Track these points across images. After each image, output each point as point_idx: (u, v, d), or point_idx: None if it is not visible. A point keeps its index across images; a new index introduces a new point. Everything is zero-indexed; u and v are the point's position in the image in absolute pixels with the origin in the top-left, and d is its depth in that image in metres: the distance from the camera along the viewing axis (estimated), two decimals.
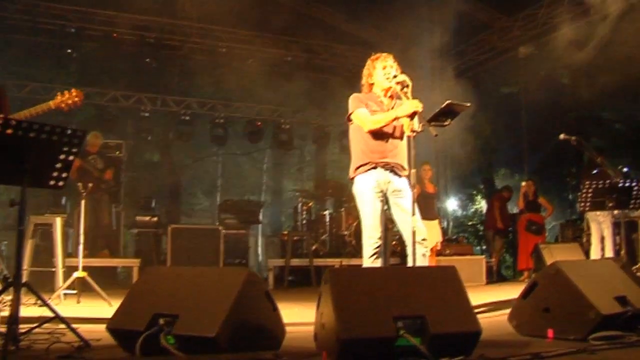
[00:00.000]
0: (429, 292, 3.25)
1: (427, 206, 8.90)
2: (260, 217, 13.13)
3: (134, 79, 13.15)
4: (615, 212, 7.96)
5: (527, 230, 11.14)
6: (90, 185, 7.12)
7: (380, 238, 4.87)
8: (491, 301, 6.28)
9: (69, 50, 12.18)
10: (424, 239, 4.80)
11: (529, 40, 12.12)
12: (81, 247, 6.66)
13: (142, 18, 11.68)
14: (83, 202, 6.88)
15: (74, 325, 3.80)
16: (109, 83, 13.04)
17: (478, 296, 6.48)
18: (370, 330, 2.99)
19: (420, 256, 4.70)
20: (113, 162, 9.89)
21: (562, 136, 7.68)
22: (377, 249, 4.86)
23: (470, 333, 3.13)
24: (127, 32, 11.88)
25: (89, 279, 6.41)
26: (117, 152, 11.09)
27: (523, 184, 11.64)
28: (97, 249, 9.23)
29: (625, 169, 9.09)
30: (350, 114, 5.02)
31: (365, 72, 5.15)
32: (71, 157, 3.82)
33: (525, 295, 4.05)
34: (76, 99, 4.81)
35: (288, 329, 3.71)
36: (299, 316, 5.36)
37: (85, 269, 6.52)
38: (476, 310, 3.45)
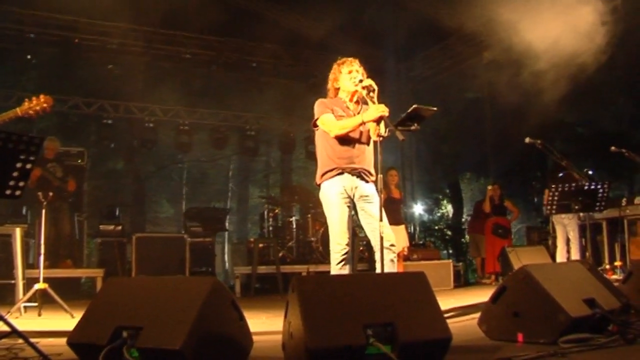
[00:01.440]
0: (398, 298, 3.20)
1: (393, 211, 8.89)
2: (227, 224, 13.01)
3: (96, 85, 12.92)
4: (581, 214, 8.05)
5: (494, 234, 11.21)
6: (50, 194, 6.93)
7: (348, 244, 4.82)
8: (460, 305, 6.27)
9: (29, 56, 11.93)
10: (392, 245, 4.77)
11: (493, 46, 12.21)
12: (42, 258, 6.48)
13: (103, 24, 11.50)
14: (44, 212, 6.69)
15: (34, 340, 3.66)
16: (70, 89, 12.80)
17: (447, 301, 6.48)
18: (339, 339, 2.92)
19: (388, 262, 4.66)
20: (72, 169, 9.69)
21: (527, 140, 7.75)
22: (345, 256, 4.81)
23: (441, 339, 3.09)
24: (89, 38, 11.69)
25: (51, 291, 6.23)
26: (79, 160, 10.87)
27: (489, 187, 11.71)
28: (60, 259, 9.02)
29: (590, 172, 9.18)
30: (316, 119, 4.96)
31: (331, 76, 5.11)
32: (29, 165, 3.69)
33: (494, 299, 4.03)
34: (45, 105, 4.65)
35: (255, 338, 3.62)
36: (266, 325, 5.30)
37: (46, 280, 6.33)
38: (445, 315, 3.42)
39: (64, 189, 8.92)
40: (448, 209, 21.08)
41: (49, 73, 13.26)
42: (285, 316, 3.37)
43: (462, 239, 19.70)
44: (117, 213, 11.45)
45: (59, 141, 9.53)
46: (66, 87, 13.01)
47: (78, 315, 5.54)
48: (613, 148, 7.76)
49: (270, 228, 11.49)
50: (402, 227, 9.28)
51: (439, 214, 21.52)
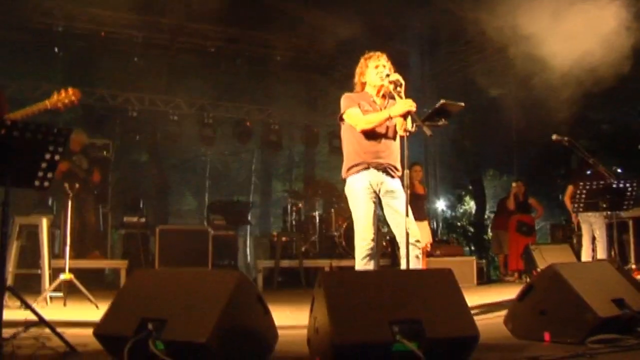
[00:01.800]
0: (425, 295, 3.18)
1: (416, 207, 8.81)
2: (249, 217, 13.03)
3: (121, 78, 12.99)
4: (607, 212, 7.95)
5: (518, 231, 11.13)
6: (77, 185, 7.00)
7: (373, 240, 4.81)
8: (484, 303, 6.23)
9: (56, 49, 12.02)
10: (417, 241, 4.75)
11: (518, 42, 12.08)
12: (67, 249, 6.55)
13: (129, 17, 11.55)
14: (70, 203, 6.75)
15: (60, 330, 3.69)
16: (96, 82, 12.87)
17: (470, 298, 6.40)
18: (365, 335, 2.91)
19: (413, 258, 4.65)
20: (98, 161, 9.74)
21: (554, 137, 7.66)
22: (370, 251, 4.80)
23: (468, 337, 3.06)
24: (115, 31, 11.76)
25: (76, 281, 6.30)
26: (105, 152, 10.97)
27: (513, 184, 11.63)
28: (86, 250, 9.10)
29: (618, 170, 9.08)
30: (342, 113, 4.94)
31: (357, 70, 5.09)
32: (57, 157, 3.71)
33: (521, 297, 3.99)
34: (73, 97, 4.69)
35: (280, 332, 3.61)
36: (290, 319, 5.30)
37: (71, 270, 6.41)
38: None
39: (88, 180, 8.99)
40: (471, 205, 20.95)
41: (75, 65, 13.32)
42: (311, 311, 3.36)
43: (485, 236, 19.57)
44: (141, 205, 11.52)
45: (85, 133, 9.59)
46: (92, 80, 13.08)
47: (102, 306, 5.62)
48: None
49: (293, 222, 11.47)
50: (425, 223, 9.22)
51: (461, 211, 21.40)
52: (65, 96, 4.66)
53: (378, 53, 5.04)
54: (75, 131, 9.37)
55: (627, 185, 7.36)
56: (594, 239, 8.59)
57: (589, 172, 8.35)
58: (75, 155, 9.07)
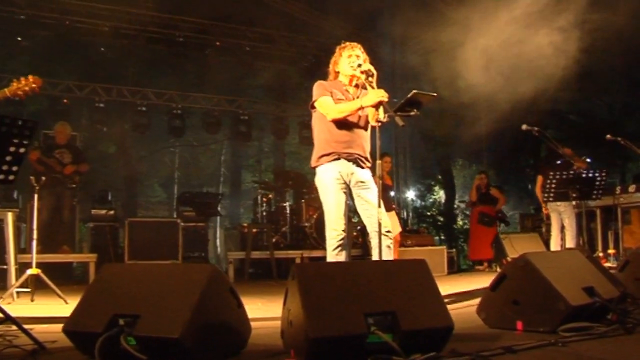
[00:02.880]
0: (399, 286, 3.17)
1: (384, 198, 8.85)
2: (219, 209, 12.94)
3: (88, 68, 12.79)
4: (575, 202, 8.05)
5: (479, 223, 11.26)
6: (43, 178, 6.85)
7: (344, 230, 4.80)
8: (455, 292, 6.27)
9: (19, 38, 11.75)
10: (388, 231, 4.74)
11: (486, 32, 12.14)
12: (35, 243, 6.41)
13: (96, 6, 11.34)
14: (36, 197, 6.61)
15: (28, 326, 3.61)
16: (62, 73, 12.67)
17: (441, 287, 6.42)
18: (340, 328, 2.88)
19: (385, 248, 4.63)
20: (83, 156, 9.53)
21: (524, 127, 7.71)
22: (341, 242, 4.79)
23: (443, 328, 3.06)
24: (81, 21, 11.53)
25: (43, 276, 6.17)
26: None
27: (477, 177, 11.80)
28: (55, 244, 8.93)
29: (588, 160, 9.19)
30: (314, 101, 4.91)
31: (332, 59, 5.09)
32: (22, 150, 3.62)
33: (493, 287, 4.01)
34: (34, 85, 4.53)
35: (252, 324, 3.58)
36: (262, 311, 5.27)
37: (39, 265, 6.28)
38: None
39: (64, 174, 8.80)
40: (440, 195, 21.09)
41: (40, 55, 13.08)
42: (285, 303, 3.33)
43: (454, 225, 19.76)
44: (109, 197, 11.36)
45: (69, 126, 9.39)
46: (58, 70, 12.88)
47: (71, 301, 5.51)
48: (608, 136, 7.74)
49: (264, 213, 11.42)
50: (393, 213, 9.25)
51: (431, 200, 21.54)
52: (26, 84, 4.49)
53: (354, 43, 5.03)
54: (60, 123, 9.21)
55: (596, 175, 7.46)
56: (562, 228, 8.70)
57: (558, 162, 8.44)
58: (58, 149, 8.90)
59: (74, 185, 9.11)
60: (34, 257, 6.31)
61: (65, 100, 12.10)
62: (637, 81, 17.29)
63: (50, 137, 9.96)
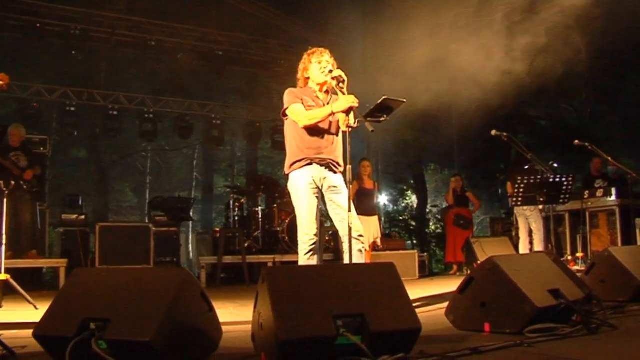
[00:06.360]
0: (368, 289, 3.21)
1: (366, 202, 8.92)
2: (191, 213, 12.91)
3: (58, 71, 12.67)
4: (542, 206, 8.18)
5: (455, 225, 11.35)
6: (12, 183, 6.77)
7: (316, 235, 4.82)
8: (426, 295, 6.33)
9: None
10: (360, 235, 4.78)
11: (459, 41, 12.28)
12: (3, 249, 6.34)
13: (67, 8, 11.25)
14: (5, 201, 6.54)
15: None
16: (31, 76, 12.54)
17: (413, 291, 6.50)
18: (310, 330, 2.92)
19: (356, 252, 4.67)
20: (38, 158, 9.41)
21: (493, 132, 7.81)
22: (313, 246, 4.81)
23: (411, 330, 3.11)
24: (52, 23, 11.43)
25: (13, 282, 6.10)
26: (41, 148, 10.61)
27: (452, 179, 11.89)
28: (23, 250, 8.81)
29: (555, 165, 9.34)
30: (286, 109, 4.93)
31: (301, 66, 5.08)
32: None
33: (462, 290, 4.07)
34: (1, 82, 4.50)
35: (224, 328, 3.60)
36: (234, 315, 5.29)
37: (8, 271, 6.21)
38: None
39: (23, 179, 8.66)
40: (412, 199, 21.24)
41: (9, 58, 12.95)
42: (255, 307, 3.35)
43: (427, 230, 19.90)
44: (80, 202, 11.26)
45: (24, 128, 9.26)
46: (27, 73, 12.75)
47: (42, 306, 5.47)
48: (577, 141, 7.89)
49: (236, 218, 11.40)
50: (375, 217, 9.27)
51: (403, 205, 21.68)
52: None
53: (322, 49, 5.05)
54: (14, 125, 9.05)
55: (564, 179, 7.58)
56: (531, 232, 8.82)
57: (526, 167, 8.56)
58: (12, 152, 8.76)
59: (34, 190, 8.97)
60: (2, 262, 6.23)
61: (34, 104, 11.97)
62: (604, 89, 17.66)
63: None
